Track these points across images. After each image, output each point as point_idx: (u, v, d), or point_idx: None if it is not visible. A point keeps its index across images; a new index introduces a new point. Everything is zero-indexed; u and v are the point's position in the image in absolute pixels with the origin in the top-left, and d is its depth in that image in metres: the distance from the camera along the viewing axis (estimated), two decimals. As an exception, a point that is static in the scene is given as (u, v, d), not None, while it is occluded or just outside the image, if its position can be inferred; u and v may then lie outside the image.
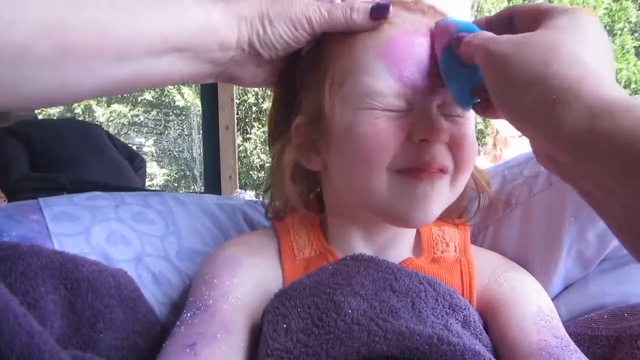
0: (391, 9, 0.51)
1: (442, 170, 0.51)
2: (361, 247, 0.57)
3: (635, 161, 0.29)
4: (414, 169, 0.50)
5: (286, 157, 0.57)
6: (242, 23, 0.51)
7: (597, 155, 0.31)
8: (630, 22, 9.63)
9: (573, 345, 0.48)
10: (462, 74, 0.46)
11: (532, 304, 0.52)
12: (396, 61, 0.50)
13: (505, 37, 0.40)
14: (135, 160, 2.27)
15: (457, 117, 0.52)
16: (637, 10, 9.65)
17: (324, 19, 0.51)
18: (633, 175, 0.29)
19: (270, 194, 0.64)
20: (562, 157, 0.35)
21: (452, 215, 0.62)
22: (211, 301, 0.49)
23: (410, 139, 0.49)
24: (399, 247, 0.58)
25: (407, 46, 0.50)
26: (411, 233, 0.60)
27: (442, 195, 0.52)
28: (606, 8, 9.50)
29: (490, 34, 0.42)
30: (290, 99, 0.59)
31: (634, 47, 9.36)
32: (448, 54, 0.46)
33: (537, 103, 0.35)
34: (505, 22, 0.47)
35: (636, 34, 9.64)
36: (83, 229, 0.59)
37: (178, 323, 0.49)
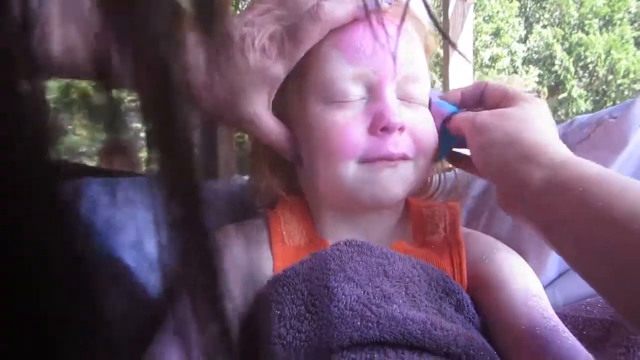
0: None
1: (404, 157, 0.53)
2: (346, 233, 0.57)
3: (586, 193, 0.40)
4: (377, 159, 0.51)
5: (263, 147, 0.58)
6: None
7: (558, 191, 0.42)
8: (629, 12, 9.59)
9: (561, 326, 0.48)
10: (449, 139, 0.57)
11: (520, 284, 0.52)
12: (350, 46, 0.52)
13: (486, 112, 0.51)
14: None
15: (413, 103, 0.55)
16: (637, 0, 9.61)
17: None
18: (584, 205, 0.39)
19: (251, 182, 0.64)
20: (528, 200, 0.44)
21: (422, 194, 0.63)
22: None
23: (371, 129, 0.51)
24: (383, 229, 0.58)
25: (359, 32, 0.52)
26: (393, 214, 0.60)
27: (405, 178, 0.54)
28: (606, -2, 9.44)
29: (471, 113, 0.53)
30: None
31: (634, 37, 9.33)
32: (442, 129, 0.57)
33: (512, 159, 0.46)
34: (477, 95, 0.57)
35: (636, 24, 9.61)
36: (78, 214, 0.59)
37: (169, 312, 0.49)
